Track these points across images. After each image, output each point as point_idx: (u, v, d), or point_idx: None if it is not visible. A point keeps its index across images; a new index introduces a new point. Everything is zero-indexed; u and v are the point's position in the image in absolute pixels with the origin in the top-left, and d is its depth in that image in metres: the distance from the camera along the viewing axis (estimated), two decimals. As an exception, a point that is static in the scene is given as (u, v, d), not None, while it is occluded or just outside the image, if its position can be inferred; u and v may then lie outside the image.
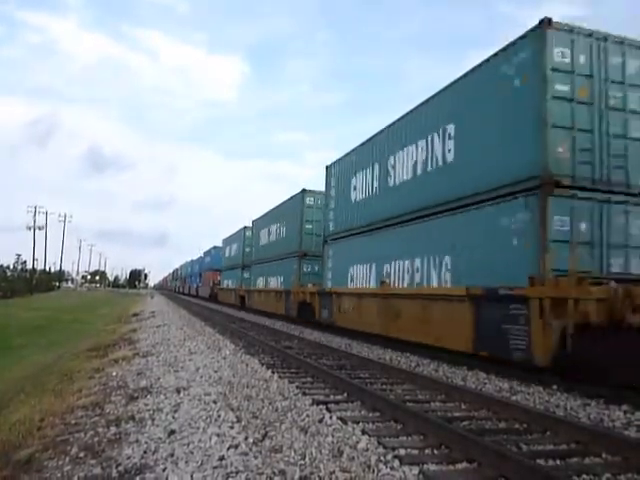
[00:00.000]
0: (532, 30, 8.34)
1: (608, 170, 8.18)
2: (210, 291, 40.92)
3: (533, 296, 7.52)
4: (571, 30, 8.26)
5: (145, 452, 4.44)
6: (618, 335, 6.84)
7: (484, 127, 9.36)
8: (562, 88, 8.07)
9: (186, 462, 4.15)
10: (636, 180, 8.27)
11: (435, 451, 4.49)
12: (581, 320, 7.03)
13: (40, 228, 66.50)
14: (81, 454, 4.55)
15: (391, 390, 7.11)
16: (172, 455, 4.32)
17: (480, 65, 9.69)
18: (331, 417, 5.42)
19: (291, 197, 21.82)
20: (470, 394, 6.64)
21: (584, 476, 3.97)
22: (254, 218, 28.90)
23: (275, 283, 23.43)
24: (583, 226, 7.93)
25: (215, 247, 43.25)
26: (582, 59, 8.23)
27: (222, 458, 4.20)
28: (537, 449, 4.63)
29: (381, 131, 13.73)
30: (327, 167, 17.35)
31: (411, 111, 12.12)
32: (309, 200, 20.35)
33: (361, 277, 14.11)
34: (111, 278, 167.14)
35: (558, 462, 4.29)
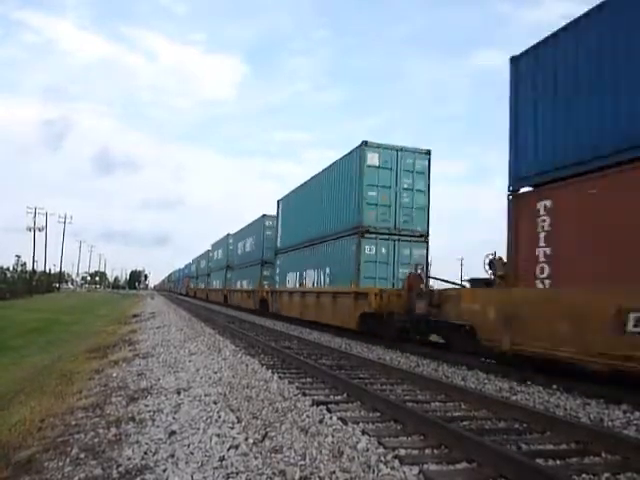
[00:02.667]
0: None
1: None
2: (185, 290, 67.56)
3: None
4: None
5: (145, 453, 4.44)
6: None
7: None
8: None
9: (186, 463, 4.15)
10: None
11: (435, 451, 4.49)
12: None
13: (40, 229, 66.44)
14: (81, 455, 4.55)
15: (391, 390, 7.12)
16: (172, 456, 4.33)
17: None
18: (331, 417, 5.43)
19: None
20: (470, 394, 6.65)
21: (584, 475, 3.98)
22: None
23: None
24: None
25: (189, 262, 68.77)
26: None
27: (222, 459, 4.20)
28: (537, 449, 4.64)
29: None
30: None
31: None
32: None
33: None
34: (111, 279, 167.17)
35: (558, 462, 4.30)
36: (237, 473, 3.92)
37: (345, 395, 6.66)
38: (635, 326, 6.28)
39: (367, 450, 4.39)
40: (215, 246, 43.45)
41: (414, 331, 12.43)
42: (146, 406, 6.12)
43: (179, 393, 6.70)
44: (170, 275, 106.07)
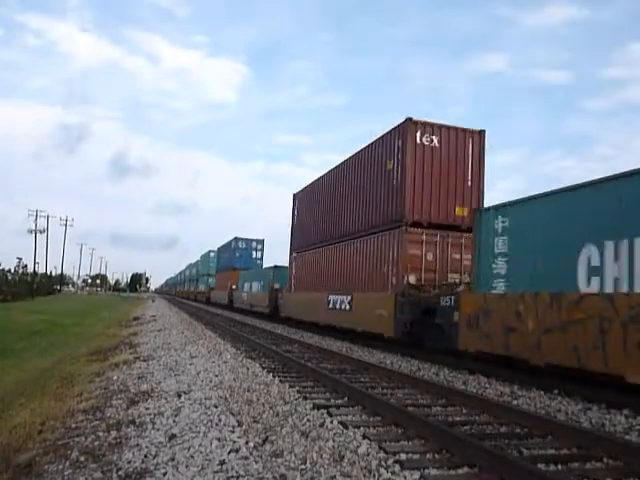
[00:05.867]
0: None
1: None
2: (174, 292, 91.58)
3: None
4: None
5: (146, 456, 4.43)
6: None
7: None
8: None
9: (187, 466, 4.14)
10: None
11: (436, 456, 4.48)
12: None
13: (41, 232, 66.41)
14: (82, 458, 4.54)
15: (392, 394, 7.10)
16: (173, 459, 4.32)
17: None
18: (332, 421, 5.41)
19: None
20: (471, 398, 6.63)
21: (585, 481, 3.96)
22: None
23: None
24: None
25: (178, 272, 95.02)
26: None
27: (223, 462, 4.19)
28: (538, 454, 4.63)
29: None
30: None
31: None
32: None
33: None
34: (112, 282, 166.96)
35: (560, 467, 4.28)
36: (237, 477, 3.91)
37: (346, 399, 6.65)
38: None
39: (368, 454, 4.38)
40: (187, 267, 74.76)
41: None
42: (146, 409, 6.11)
43: (180, 396, 6.69)
44: (167, 280, 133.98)
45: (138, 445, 4.74)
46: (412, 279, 12.39)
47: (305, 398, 6.59)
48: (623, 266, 6.79)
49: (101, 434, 5.20)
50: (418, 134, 12.99)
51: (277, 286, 23.45)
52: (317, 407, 6.06)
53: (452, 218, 12.97)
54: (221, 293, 38.59)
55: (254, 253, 37.38)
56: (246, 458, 4.29)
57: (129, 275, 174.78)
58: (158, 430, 5.20)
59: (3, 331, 20.34)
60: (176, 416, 5.70)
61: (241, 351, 11.59)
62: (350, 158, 16.54)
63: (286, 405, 6.18)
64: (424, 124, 13.11)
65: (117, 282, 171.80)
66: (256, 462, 4.20)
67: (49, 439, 5.36)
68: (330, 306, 16.14)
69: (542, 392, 7.51)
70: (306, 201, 20.87)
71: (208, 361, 9.83)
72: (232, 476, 3.92)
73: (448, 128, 13.31)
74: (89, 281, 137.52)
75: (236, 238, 37.94)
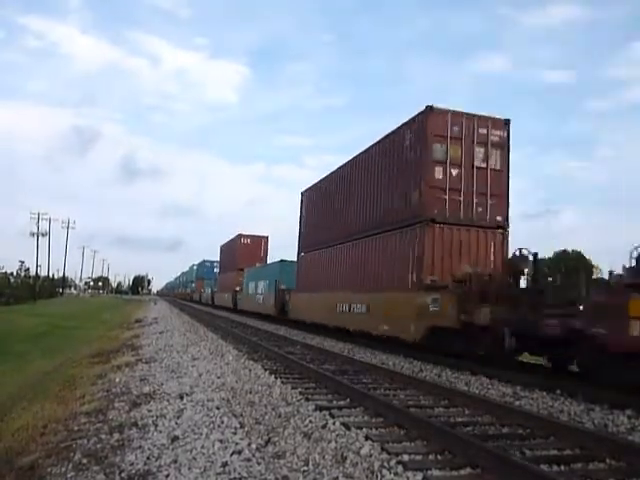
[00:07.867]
0: None
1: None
2: (173, 294, 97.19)
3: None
4: None
5: (148, 458, 4.44)
6: None
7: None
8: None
9: (189, 468, 4.14)
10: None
11: (439, 456, 4.48)
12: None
13: (44, 235, 66.38)
14: (84, 461, 4.54)
15: (394, 395, 7.10)
16: (175, 461, 4.32)
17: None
18: (334, 423, 5.41)
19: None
20: (473, 399, 6.62)
21: (588, 481, 3.96)
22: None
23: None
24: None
25: (176, 277, 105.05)
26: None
27: (225, 464, 4.19)
28: (541, 454, 4.62)
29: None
30: None
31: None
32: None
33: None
34: (114, 284, 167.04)
35: (562, 467, 4.28)
36: (240, 479, 3.91)
37: (348, 400, 6.65)
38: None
39: (370, 456, 4.38)
40: (181, 274, 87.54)
41: None
42: (149, 411, 6.11)
43: (182, 398, 6.69)
44: (167, 284, 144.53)
45: (141, 447, 4.74)
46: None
47: (307, 399, 6.59)
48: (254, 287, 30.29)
49: (103, 436, 5.20)
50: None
51: (215, 289, 46.40)
52: (319, 408, 6.06)
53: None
54: (196, 294, 59.36)
55: (214, 269, 53.10)
56: (249, 460, 4.30)
57: (131, 277, 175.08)
58: (161, 432, 5.20)
59: (5, 334, 20.36)
60: (178, 418, 5.71)
61: (243, 353, 11.59)
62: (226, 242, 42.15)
63: (288, 406, 6.18)
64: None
65: (119, 284, 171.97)
66: (258, 464, 4.21)
67: (52, 442, 5.37)
68: (220, 297, 40.32)
69: (544, 393, 7.49)
70: (223, 255, 44.80)
71: (210, 363, 9.83)
72: (235, 478, 3.93)
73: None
74: (91, 284, 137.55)
75: (204, 260, 58.25)
